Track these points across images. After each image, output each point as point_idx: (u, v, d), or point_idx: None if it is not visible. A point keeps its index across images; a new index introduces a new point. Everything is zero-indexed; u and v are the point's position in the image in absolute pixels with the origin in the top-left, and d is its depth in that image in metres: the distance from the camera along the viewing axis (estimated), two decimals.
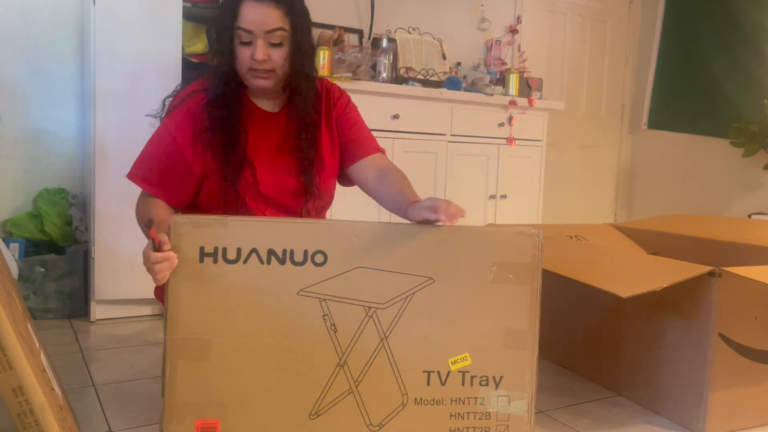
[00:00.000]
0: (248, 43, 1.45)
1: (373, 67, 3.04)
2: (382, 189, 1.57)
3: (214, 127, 1.50)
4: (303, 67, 1.53)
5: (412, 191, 1.51)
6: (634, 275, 1.67)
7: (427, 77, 3.22)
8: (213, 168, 1.52)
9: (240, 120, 1.53)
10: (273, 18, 1.44)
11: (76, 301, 2.48)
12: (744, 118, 3.55)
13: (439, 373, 1.34)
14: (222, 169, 1.51)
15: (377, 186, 1.58)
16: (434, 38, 3.39)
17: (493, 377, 1.35)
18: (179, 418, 1.28)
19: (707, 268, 1.55)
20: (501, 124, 3.26)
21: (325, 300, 1.31)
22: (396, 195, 1.50)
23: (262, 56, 1.45)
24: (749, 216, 3.46)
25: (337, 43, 3.07)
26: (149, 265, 1.25)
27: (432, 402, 1.34)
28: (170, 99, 1.59)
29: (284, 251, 1.30)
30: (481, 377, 1.35)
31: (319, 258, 1.31)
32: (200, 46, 2.64)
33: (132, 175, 1.54)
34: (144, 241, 1.71)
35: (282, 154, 1.58)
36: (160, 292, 1.69)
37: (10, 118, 2.58)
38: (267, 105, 1.59)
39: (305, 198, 1.59)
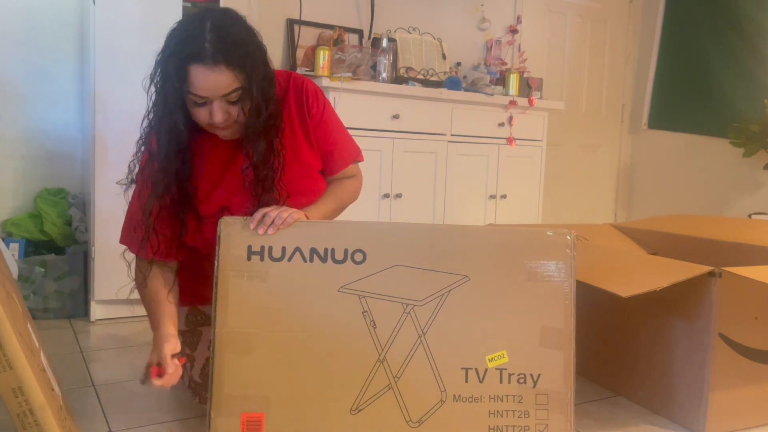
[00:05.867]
0: (203, 104, 1.37)
1: (373, 67, 3.04)
2: None
3: (166, 196, 1.47)
4: (264, 107, 1.44)
5: (319, 203, 1.57)
6: (634, 275, 1.67)
7: (427, 77, 3.22)
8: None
9: (190, 186, 1.50)
10: (227, 81, 1.34)
11: (76, 301, 2.48)
12: (744, 118, 3.55)
13: (476, 370, 1.36)
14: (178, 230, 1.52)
15: None
16: (434, 38, 3.39)
17: (531, 375, 1.36)
18: (227, 411, 1.31)
19: (707, 268, 1.55)
20: (501, 124, 3.26)
21: (364, 297, 1.35)
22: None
23: (221, 118, 1.37)
24: (749, 216, 3.46)
25: (337, 43, 3.07)
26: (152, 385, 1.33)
27: (470, 399, 1.35)
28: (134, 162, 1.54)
29: (326, 250, 1.36)
30: (519, 375, 1.36)
31: (358, 256, 1.36)
32: None
33: (125, 243, 1.59)
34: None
35: (246, 180, 1.51)
36: None
37: (10, 118, 2.58)
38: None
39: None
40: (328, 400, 1.33)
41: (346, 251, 1.36)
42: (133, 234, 1.53)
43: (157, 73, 1.39)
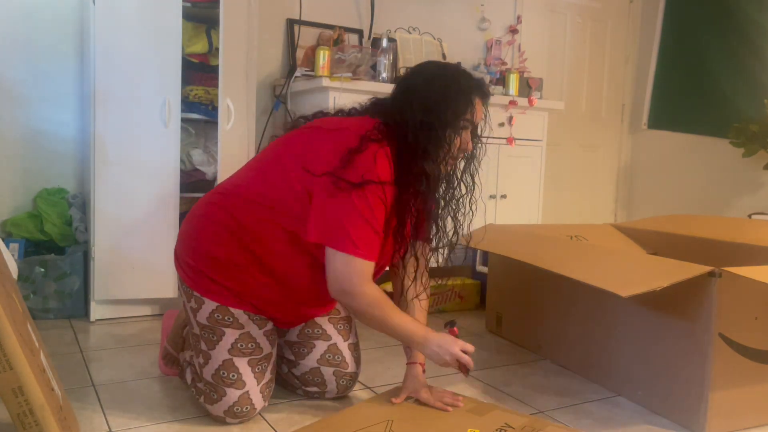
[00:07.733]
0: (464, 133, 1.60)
1: (373, 67, 3.03)
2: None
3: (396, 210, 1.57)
4: None
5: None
6: (634, 275, 1.67)
7: None
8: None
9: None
10: None
11: (76, 301, 2.48)
12: (744, 118, 3.55)
13: None
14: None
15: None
16: (434, 38, 3.39)
17: None
18: None
19: (707, 268, 1.55)
20: (501, 124, 3.26)
21: None
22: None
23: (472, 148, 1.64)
24: (749, 216, 3.45)
25: (337, 43, 3.07)
26: (459, 358, 1.51)
27: None
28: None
29: None
30: None
31: None
32: (200, 46, 2.64)
33: (365, 255, 1.50)
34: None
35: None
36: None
37: (10, 118, 2.58)
38: None
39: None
40: None
41: None
42: (375, 250, 1.53)
43: (445, 115, 1.56)
